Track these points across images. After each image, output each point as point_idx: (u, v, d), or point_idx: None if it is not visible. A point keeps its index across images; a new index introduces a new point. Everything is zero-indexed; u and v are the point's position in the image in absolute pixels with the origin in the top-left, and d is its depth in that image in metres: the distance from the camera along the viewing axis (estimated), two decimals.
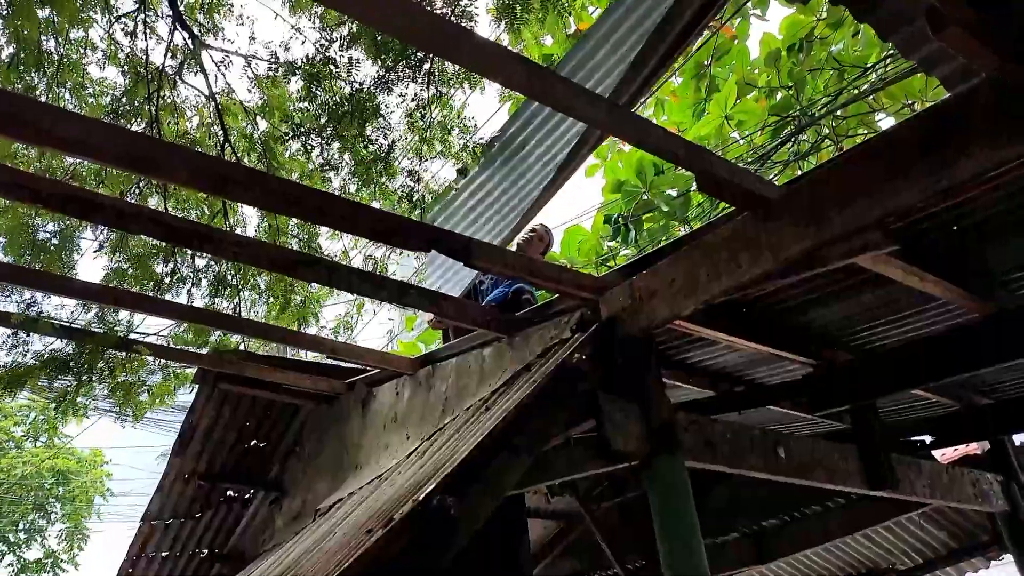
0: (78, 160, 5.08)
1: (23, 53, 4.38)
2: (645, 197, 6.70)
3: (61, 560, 18.68)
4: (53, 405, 4.76)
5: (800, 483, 3.51)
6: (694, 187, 7.36)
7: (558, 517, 6.87)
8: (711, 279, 2.62)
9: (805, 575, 6.57)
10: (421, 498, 2.10)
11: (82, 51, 5.02)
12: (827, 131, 6.77)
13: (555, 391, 2.77)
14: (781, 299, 3.47)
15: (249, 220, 5.38)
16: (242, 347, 5.19)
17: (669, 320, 2.85)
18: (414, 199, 4.89)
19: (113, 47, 5.12)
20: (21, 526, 18.66)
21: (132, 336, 4.65)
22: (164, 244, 5.02)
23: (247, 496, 5.68)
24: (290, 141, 4.71)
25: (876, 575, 5.99)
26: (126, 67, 5.10)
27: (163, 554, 5.57)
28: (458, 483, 2.22)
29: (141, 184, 5.22)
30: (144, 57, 5.06)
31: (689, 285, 2.70)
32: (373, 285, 3.30)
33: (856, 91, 6.28)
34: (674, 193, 6.80)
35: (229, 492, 5.58)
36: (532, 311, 3.70)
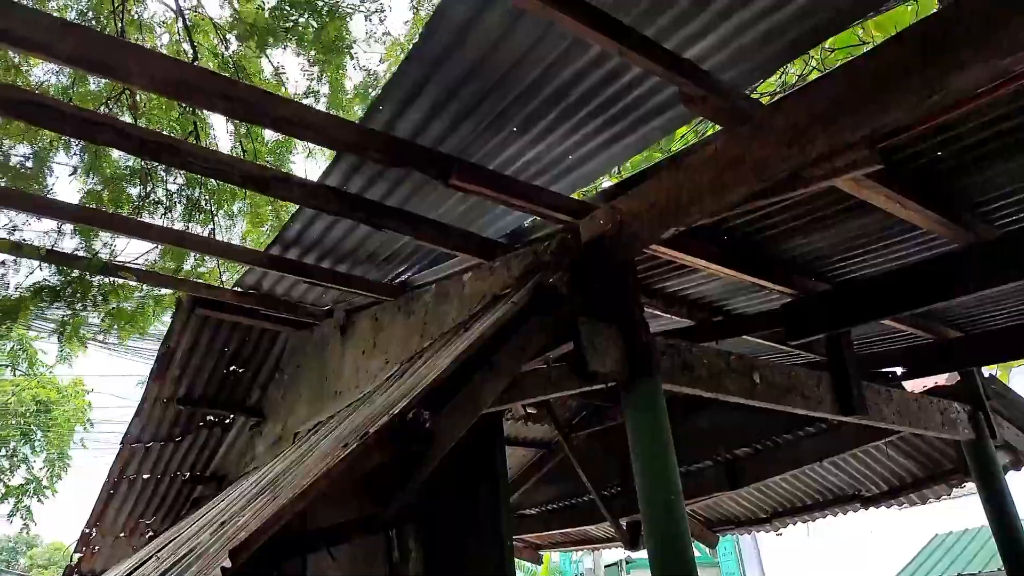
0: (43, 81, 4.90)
1: None
2: None
3: (44, 487, 18.94)
4: (56, 335, 4.73)
5: (774, 408, 3.57)
6: None
7: (536, 445, 7.00)
8: (693, 201, 2.58)
9: (775, 500, 6.80)
10: (397, 412, 2.10)
11: None
12: (815, 63, 6.63)
13: (533, 312, 2.76)
14: (763, 227, 3.45)
15: (221, 145, 5.24)
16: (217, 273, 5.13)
17: (650, 242, 2.82)
18: None
19: None
20: (3, 452, 18.81)
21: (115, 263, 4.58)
22: (138, 167, 4.90)
23: (227, 421, 5.70)
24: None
25: (842, 501, 6.20)
26: None
27: (144, 476, 5.61)
28: (435, 398, 2.22)
29: (109, 103, 5.06)
30: None
31: (671, 207, 2.67)
32: (349, 206, 3.23)
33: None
34: None
35: (209, 417, 5.60)
36: (512, 236, 3.66)
